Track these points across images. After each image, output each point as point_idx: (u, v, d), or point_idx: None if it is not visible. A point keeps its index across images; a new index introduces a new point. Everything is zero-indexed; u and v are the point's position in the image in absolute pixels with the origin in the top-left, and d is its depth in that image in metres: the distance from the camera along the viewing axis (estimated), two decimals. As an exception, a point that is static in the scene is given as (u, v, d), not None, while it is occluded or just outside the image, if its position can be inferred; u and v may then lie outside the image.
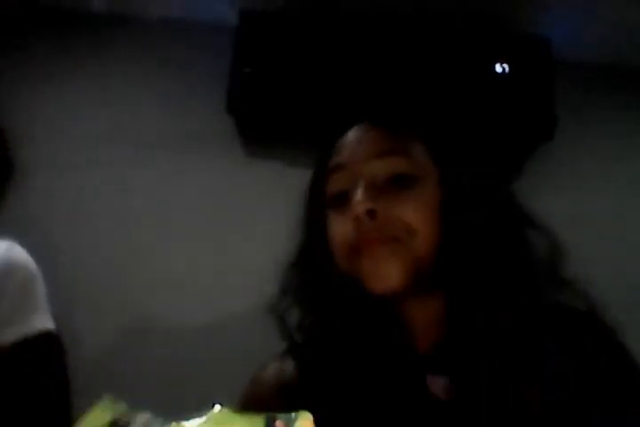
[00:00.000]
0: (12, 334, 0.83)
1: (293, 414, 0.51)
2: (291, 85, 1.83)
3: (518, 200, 0.80)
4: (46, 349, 0.85)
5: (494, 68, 1.83)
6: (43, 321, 0.86)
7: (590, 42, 2.01)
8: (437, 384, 0.70)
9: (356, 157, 0.77)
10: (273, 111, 1.87)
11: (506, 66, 1.83)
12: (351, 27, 1.86)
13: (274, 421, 0.49)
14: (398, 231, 0.72)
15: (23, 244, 0.97)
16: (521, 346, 0.68)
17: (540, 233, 0.76)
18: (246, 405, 0.79)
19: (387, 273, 0.71)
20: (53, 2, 1.93)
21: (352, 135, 0.80)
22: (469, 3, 1.83)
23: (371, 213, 0.71)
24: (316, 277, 0.79)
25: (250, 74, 1.83)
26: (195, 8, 1.97)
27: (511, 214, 0.77)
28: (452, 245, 0.72)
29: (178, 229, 1.89)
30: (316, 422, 0.70)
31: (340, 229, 0.75)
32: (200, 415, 0.49)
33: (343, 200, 0.75)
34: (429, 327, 0.75)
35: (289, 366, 0.78)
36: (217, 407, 0.50)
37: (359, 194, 0.72)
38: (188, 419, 0.48)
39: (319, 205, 0.80)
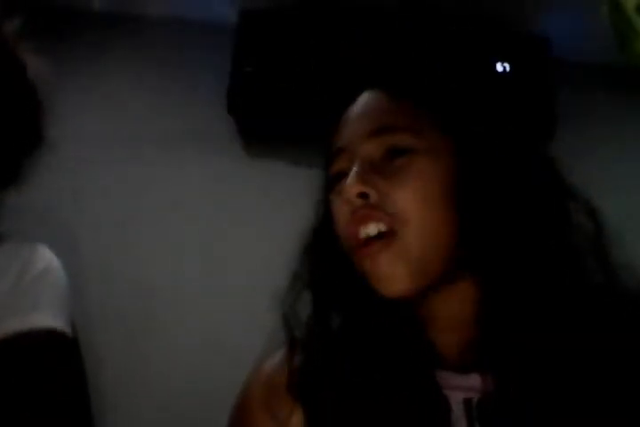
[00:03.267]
0: (5, 328, 0.82)
1: None
2: (291, 85, 1.83)
3: (557, 167, 0.72)
4: (48, 346, 0.84)
5: (495, 67, 1.83)
6: (46, 319, 0.85)
7: (590, 42, 2.00)
8: (448, 379, 0.66)
9: (353, 137, 0.72)
10: (273, 111, 1.87)
11: (507, 65, 1.83)
12: (351, 26, 1.86)
13: None
14: (391, 221, 0.66)
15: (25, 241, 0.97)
16: (577, 340, 0.62)
17: (582, 209, 0.69)
18: (243, 406, 0.77)
19: (391, 278, 0.66)
20: (53, 1, 1.93)
21: (352, 111, 0.75)
22: (470, 2, 1.83)
23: (362, 196, 0.67)
24: (323, 264, 0.75)
25: (250, 73, 1.83)
26: (195, 8, 1.97)
27: (549, 185, 0.69)
28: (476, 225, 0.66)
29: (177, 229, 1.89)
30: (315, 420, 0.69)
31: (338, 213, 0.71)
32: None
33: (342, 182, 0.71)
34: (455, 320, 0.70)
35: (289, 361, 0.74)
36: None
37: (351, 176, 0.68)
38: None
39: (325, 188, 0.76)
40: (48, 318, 0.84)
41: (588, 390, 0.61)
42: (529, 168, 0.69)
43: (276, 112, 1.88)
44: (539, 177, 0.69)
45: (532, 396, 0.62)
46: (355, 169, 0.69)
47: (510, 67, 1.84)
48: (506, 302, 0.65)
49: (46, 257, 0.92)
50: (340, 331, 0.73)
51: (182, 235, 1.89)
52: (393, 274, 0.66)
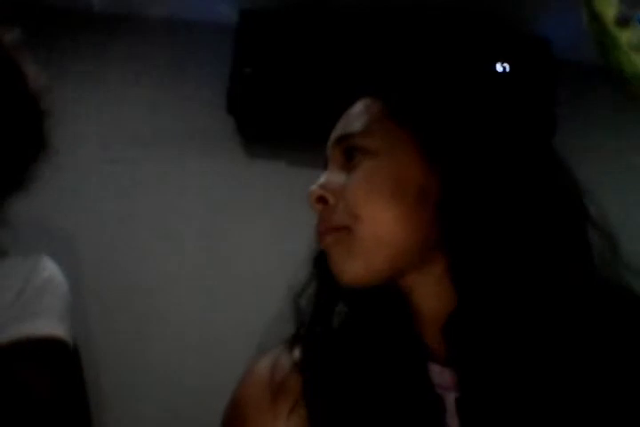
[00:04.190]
0: (7, 335, 0.82)
1: None
2: (291, 85, 1.83)
3: (557, 166, 0.72)
4: (48, 354, 0.84)
5: (495, 67, 1.83)
6: (47, 328, 0.85)
7: (590, 42, 2.00)
8: (441, 375, 0.67)
9: (329, 146, 0.76)
10: (273, 111, 1.87)
11: (507, 65, 1.83)
12: (351, 26, 1.87)
13: None
14: (345, 218, 0.69)
15: (27, 243, 0.97)
16: (561, 338, 0.62)
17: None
18: (238, 405, 0.76)
19: (342, 267, 0.69)
20: (53, 2, 1.93)
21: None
22: (470, 2, 1.83)
23: (322, 201, 0.71)
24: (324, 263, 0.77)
25: (250, 74, 1.83)
26: (195, 8, 1.97)
27: (543, 185, 0.69)
28: (454, 226, 0.66)
29: (178, 230, 1.89)
30: (314, 412, 0.69)
31: None
32: None
33: None
34: (437, 314, 0.70)
35: (285, 359, 0.74)
36: None
37: (316, 184, 0.72)
38: None
39: None
40: (49, 326, 0.85)
41: (579, 389, 0.61)
42: (520, 166, 0.69)
43: (275, 112, 1.88)
44: (532, 176, 0.69)
45: (522, 396, 0.62)
46: (322, 177, 0.73)
47: (510, 67, 1.84)
48: (478, 297, 0.66)
49: (49, 268, 0.93)
50: (339, 328, 0.74)
51: (182, 235, 1.89)
52: (344, 266, 0.69)
